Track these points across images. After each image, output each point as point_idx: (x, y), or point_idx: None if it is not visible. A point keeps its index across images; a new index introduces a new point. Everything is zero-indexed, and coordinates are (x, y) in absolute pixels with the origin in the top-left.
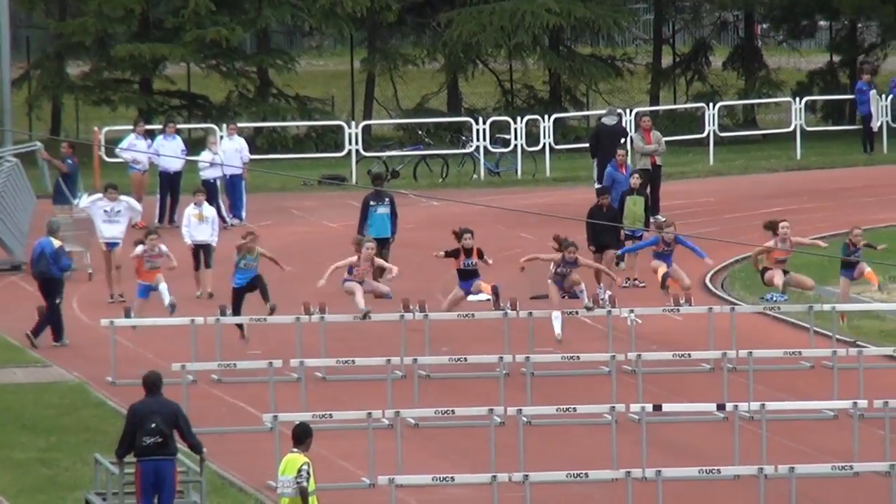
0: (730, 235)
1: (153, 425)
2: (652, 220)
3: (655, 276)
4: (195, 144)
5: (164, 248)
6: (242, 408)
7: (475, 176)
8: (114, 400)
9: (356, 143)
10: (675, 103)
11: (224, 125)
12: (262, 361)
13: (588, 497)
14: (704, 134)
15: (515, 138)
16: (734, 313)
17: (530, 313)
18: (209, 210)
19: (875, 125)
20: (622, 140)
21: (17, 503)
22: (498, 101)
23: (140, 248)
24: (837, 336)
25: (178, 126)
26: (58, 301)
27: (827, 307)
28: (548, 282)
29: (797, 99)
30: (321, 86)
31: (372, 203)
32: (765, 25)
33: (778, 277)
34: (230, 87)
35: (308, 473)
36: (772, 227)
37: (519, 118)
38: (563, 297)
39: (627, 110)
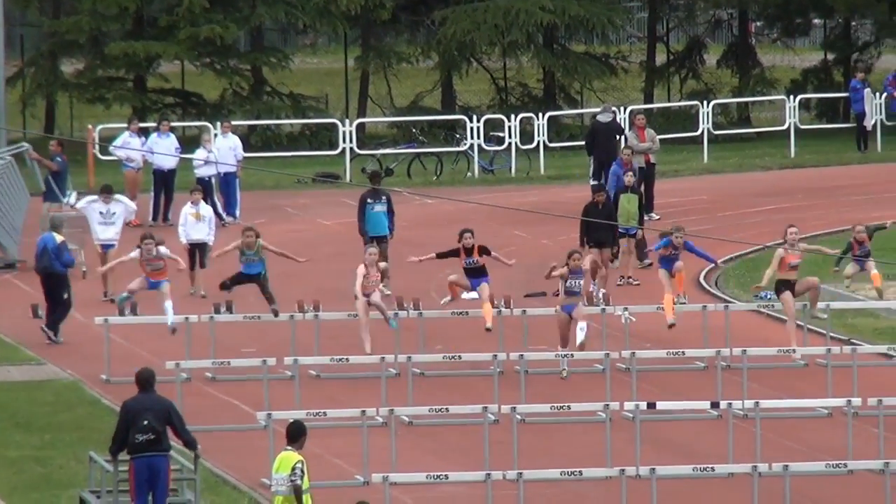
0: (724, 233)
1: (145, 422)
2: (647, 217)
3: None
4: (189, 142)
5: (164, 250)
6: (236, 406)
7: (469, 174)
8: (108, 398)
9: (350, 140)
10: (669, 101)
11: (218, 123)
12: (257, 359)
13: (582, 495)
14: (698, 132)
15: (509, 136)
16: (728, 311)
17: (524, 311)
18: (206, 209)
19: (869, 123)
20: (617, 137)
21: (11, 501)
22: (492, 98)
23: (135, 253)
24: (831, 334)
25: (173, 124)
26: (66, 296)
27: (822, 305)
28: (556, 308)
29: (791, 97)
30: (315, 84)
31: (369, 201)
32: (759, 23)
33: (789, 300)
34: (224, 85)
35: (302, 471)
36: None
37: (513, 116)
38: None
39: (621, 108)
